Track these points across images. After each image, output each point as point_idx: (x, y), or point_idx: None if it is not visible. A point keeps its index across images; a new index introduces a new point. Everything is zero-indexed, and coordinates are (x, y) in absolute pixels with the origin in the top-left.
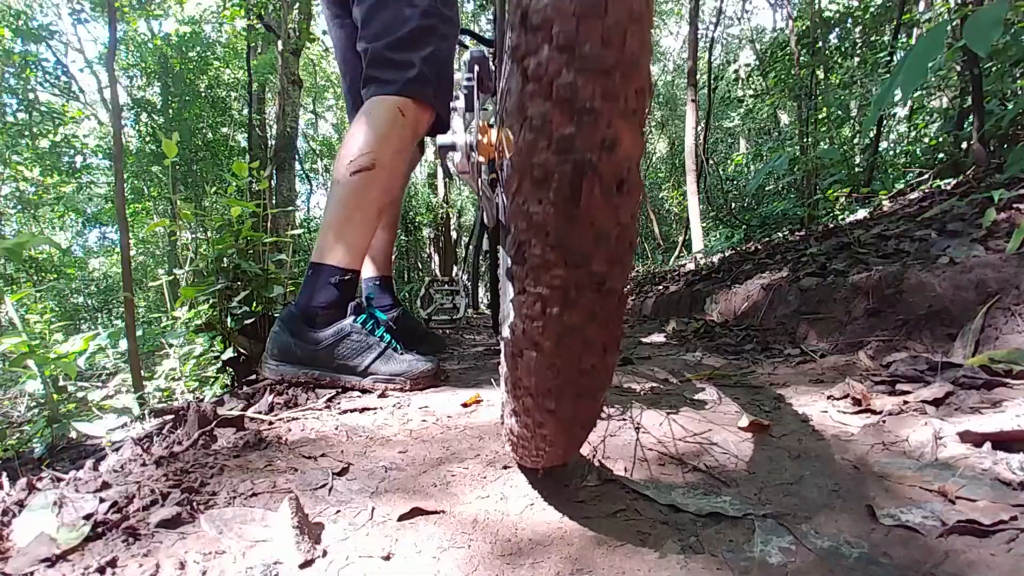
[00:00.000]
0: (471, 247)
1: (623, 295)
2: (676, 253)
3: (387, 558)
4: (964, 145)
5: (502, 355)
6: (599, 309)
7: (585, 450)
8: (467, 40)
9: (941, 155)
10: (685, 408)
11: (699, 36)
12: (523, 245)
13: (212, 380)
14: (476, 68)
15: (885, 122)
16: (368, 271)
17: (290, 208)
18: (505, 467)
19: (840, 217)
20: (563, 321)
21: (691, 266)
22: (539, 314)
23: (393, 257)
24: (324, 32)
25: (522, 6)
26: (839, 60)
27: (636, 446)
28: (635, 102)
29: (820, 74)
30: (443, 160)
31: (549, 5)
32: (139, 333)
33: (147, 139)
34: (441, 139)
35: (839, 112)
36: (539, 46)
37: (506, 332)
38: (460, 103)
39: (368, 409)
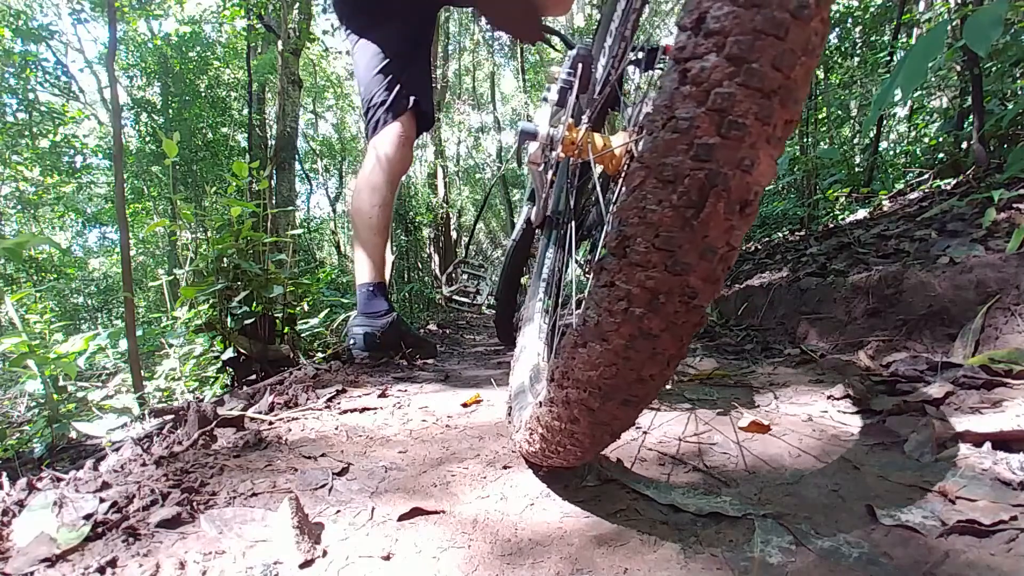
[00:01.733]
0: (511, 244)
1: (704, 315)
2: None
3: (387, 558)
4: (964, 145)
5: (515, 351)
6: (680, 321)
7: None
8: (556, 41)
9: (941, 155)
10: (685, 408)
11: None
12: (627, 240)
13: (212, 380)
14: (579, 67)
15: (885, 122)
16: (363, 277)
17: (290, 208)
18: (505, 467)
19: (840, 217)
20: (642, 324)
21: None
22: (621, 311)
23: (393, 259)
24: (324, 32)
25: (700, 9)
26: (839, 60)
27: (634, 446)
28: (782, 131)
29: (820, 74)
30: (519, 146)
31: (731, 15)
32: (139, 333)
33: (147, 139)
34: (525, 125)
35: (839, 112)
36: (708, 52)
37: (525, 336)
38: (552, 95)
39: (368, 409)
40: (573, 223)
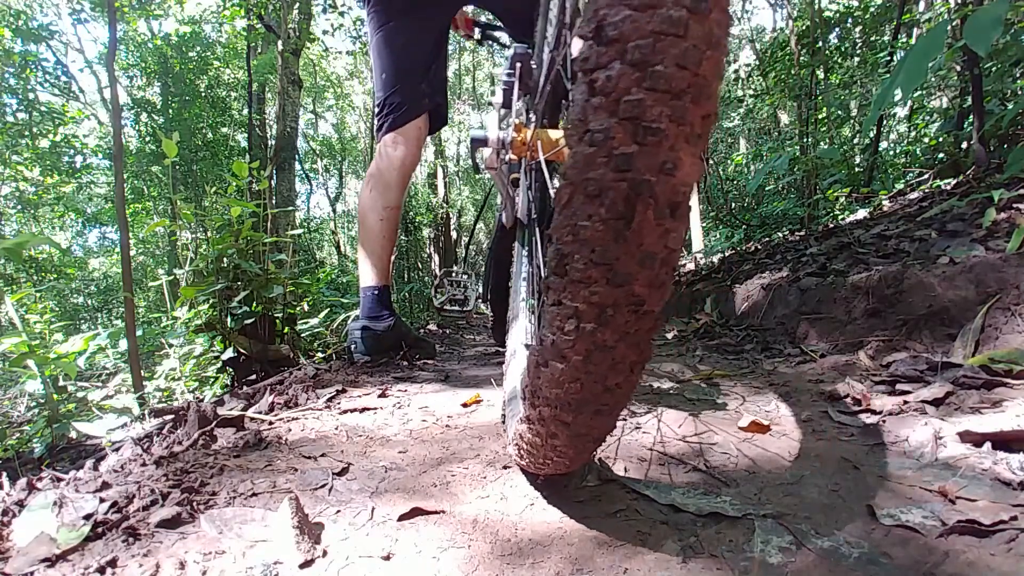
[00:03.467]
0: (489, 247)
1: (658, 318)
2: None
3: (387, 558)
4: (964, 145)
5: (506, 355)
6: (633, 330)
7: None
8: (504, 38)
9: (941, 155)
10: (685, 408)
11: None
12: (566, 258)
13: (212, 380)
14: (518, 66)
15: (885, 122)
16: (368, 280)
17: (290, 208)
18: (505, 467)
19: (840, 217)
20: (595, 338)
21: (691, 266)
22: (572, 328)
23: (392, 259)
24: (324, 32)
25: (597, 18)
26: (839, 60)
27: (634, 447)
28: (700, 127)
29: (820, 74)
30: (472, 153)
31: (627, 20)
32: (139, 333)
33: (147, 139)
34: (474, 132)
35: (839, 112)
36: (611, 60)
37: (514, 338)
38: (497, 98)
39: (368, 409)
40: (536, 223)
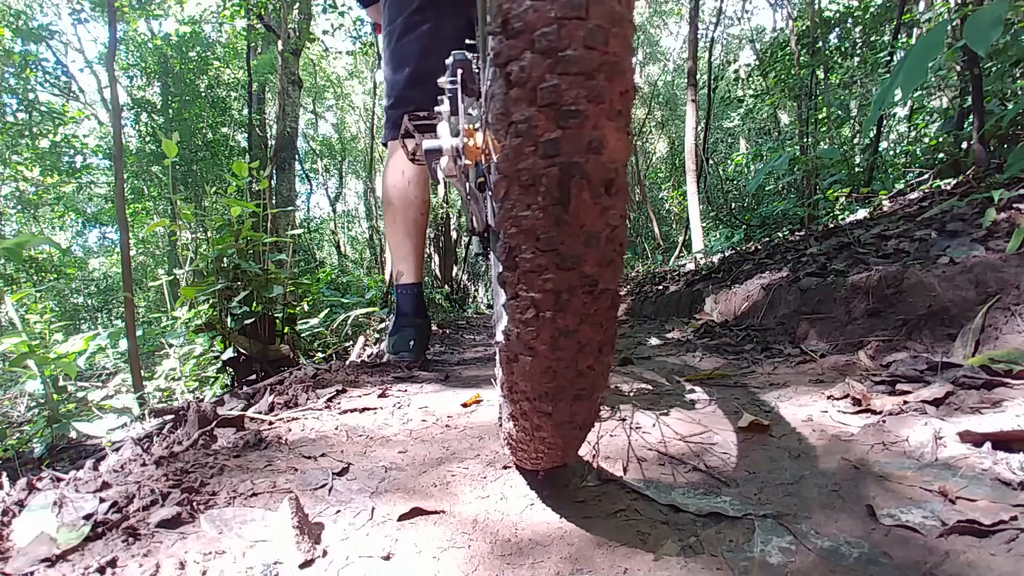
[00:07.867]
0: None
1: (616, 295)
2: (676, 253)
3: (387, 558)
4: (964, 145)
5: (497, 358)
6: (592, 311)
7: (584, 451)
8: None
9: (941, 155)
10: (685, 408)
11: (699, 36)
12: (513, 250)
13: (212, 380)
14: (459, 71)
15: (885, 122)
16: (410, 277)
17: (290, 208)
18: (505, 467)
19: (840, 217)
20: (557, 324)
21: (691, 266)
22: (533, 318)
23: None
24: (324, 32)
25: (503, 11)
26: (839, 60)
27: (634, 447)
28: (620, 103)
29: (820, 74)
30: (430, 165)
31: (530, 9)
32: (139, 333)
33: (147, 139)
34: (428, 144)
35: (839, 112)
36: (522, 51)
37: (500, 337)
38: (445, 107)
39: (368, 409)
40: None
